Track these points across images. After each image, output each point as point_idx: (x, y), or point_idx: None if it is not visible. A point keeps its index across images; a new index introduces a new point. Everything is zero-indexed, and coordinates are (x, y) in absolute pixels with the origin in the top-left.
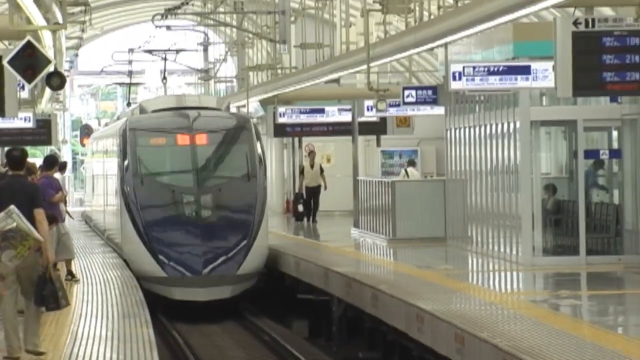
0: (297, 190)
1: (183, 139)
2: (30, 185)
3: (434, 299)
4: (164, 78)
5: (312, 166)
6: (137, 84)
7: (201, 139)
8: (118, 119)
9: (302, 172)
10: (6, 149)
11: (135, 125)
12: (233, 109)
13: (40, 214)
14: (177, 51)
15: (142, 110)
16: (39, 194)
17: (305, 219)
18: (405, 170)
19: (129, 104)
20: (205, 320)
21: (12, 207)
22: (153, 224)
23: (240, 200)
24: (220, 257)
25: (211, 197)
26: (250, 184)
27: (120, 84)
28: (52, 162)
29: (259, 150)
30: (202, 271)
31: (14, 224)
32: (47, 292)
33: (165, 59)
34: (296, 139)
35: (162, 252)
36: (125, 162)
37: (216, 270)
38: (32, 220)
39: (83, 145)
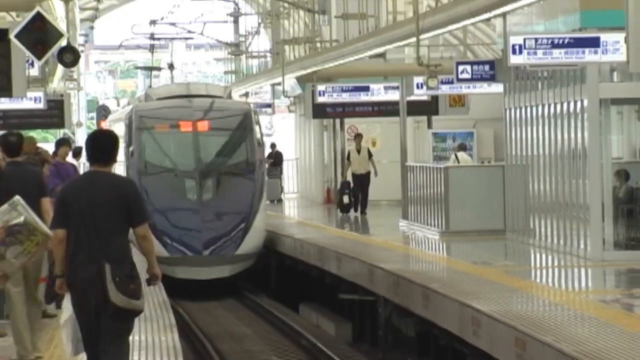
0: (342, 178)
1: (186, 126)
2: (32, 172)
3: (492, 298)
4: (171, 66)
5: (358, 151)
6: (158, 69)
7: (203, 126)
8: (138, 101)
9: (348, 157)
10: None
11: (141, 112)
12: (235, 96)
13: (46, 203)
14: (204, 23)
15: (148, 97)
16: (43, 181)
17: (352, 211)
18: (456, 155)
19: (171, 66)
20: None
21: (17, 197)
22: (157, 206)
23: (239, 185)
24: (219, 238)
25: (212, 182)
26: (249, 169)
27: (140, 67)
28: (61, 143)
29: (258, 137)
30: (203, 251)
31: (22, 218)
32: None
33: (184, 40)
34: (337, 121)
35: (165, 233)
36: (131, 148)
37: (216, 251)
38: (37, 211)
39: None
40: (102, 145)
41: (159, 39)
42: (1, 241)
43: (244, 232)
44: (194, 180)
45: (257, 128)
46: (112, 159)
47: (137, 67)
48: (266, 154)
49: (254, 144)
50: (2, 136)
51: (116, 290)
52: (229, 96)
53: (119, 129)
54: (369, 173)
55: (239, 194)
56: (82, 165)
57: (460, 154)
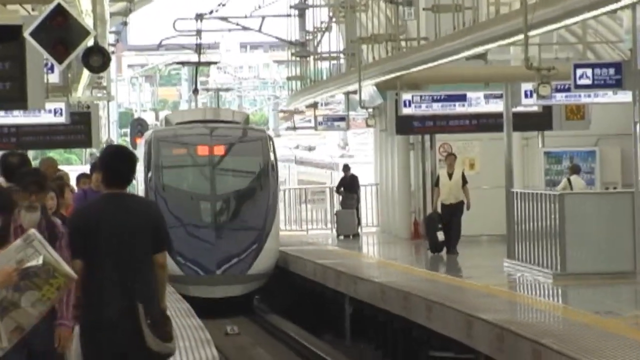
0: (432, 209)
1: (202, 150)
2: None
3: (620, 357)
4: (195, 90)
5: (450, 175)
6: (208, 64)
7: (219, 150)
8: (162, 123)
9: (437, 183)
10: (31, 154)
11: (160, 136)
12: (302, 106)
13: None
14: (263, 17)
15: (167, 122)
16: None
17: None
18: (568, 180)
19: (195, 91)
20: None
21: (33, 231)
22: (172, 227)
23: (252, 207)
24: (232, 258)
25: (226, 204)
26: (262, 192)
27: (183, 63)
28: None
29: (272, 161)
30: (216, 271)
31: (40, 258)
32: None
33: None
34: (427, 137)
35: (180, 253)
36: (149, 170)
37: (228, 271)
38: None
39: (135, 146)
40: (123, 163)
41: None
42: (15, 286)
43: (256, 253)
44: (209, 203)
45: (272, 153)
46: (131, 179)
47: (179, 63)
48: (338, 178)
49: (268, 168)
50: (2, 156)
51: (152, 335)
52: (247, 122)
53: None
54: (461, 203)
55: (252, 216)
56: None
57: (574, 178)
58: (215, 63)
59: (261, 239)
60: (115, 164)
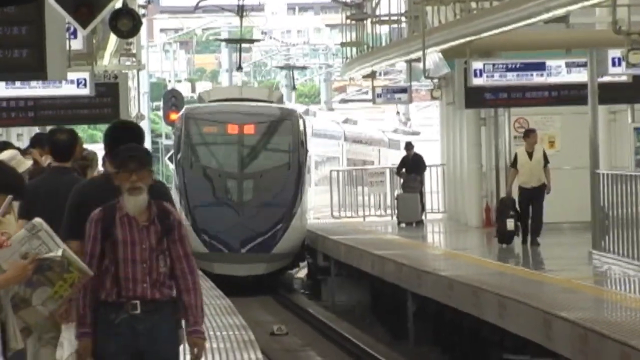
0: (505, 193)
1: (232, 128)
2: (72, 184)
3: None
4: (239, 67)
5: (530, 154)
6: (252, 41)
7: (249, 129)
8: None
9: (514, 163)
10: (48, 129)
11: (191, 114)
12: (358, 75)
13: None
14: None
15: (201, 100)
16: None
17: (518, 240)
18: None
19: (239, 67)
20: None
21: (38, 220)
22: (199, 204)
23: (279, 187)
24: (257, 237)
25: (253, 183)
26: (290, 172)
27: (225, 40)
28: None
29: (302, 140)
30: (240, 249)
31: (59, 251)
32: None
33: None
34: (500, 112)
35: (205, 231)
36: (179, 148)
37: (253, 249)
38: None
39: (170, 122)
40: (129, 138)
41: None
42: (28, 281)
43: (282, 232)
44: (235, 181)
45: (302, 133)
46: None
47: (218, 39)
48: (399, 156)
49: (297, 147)
50: (49, 133)
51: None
52: (280, 100)
53: None
54: (543, 186)
55: (279, 196)
56: None
57: None
58: (260, 40)
59: (287, 218)
60: (55, 143)
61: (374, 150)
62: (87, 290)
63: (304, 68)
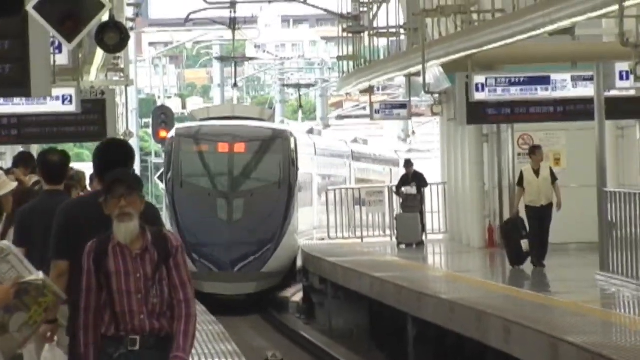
0: (512, 213)
1: (223, 147)
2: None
3: None
4: (235, 84)
5: (536, 172)
6: (248, 59)
7: (240, 148)
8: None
9: (520, 181)
10: (35, 147)
11: (181, 132)
12: (355, 91)
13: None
14: None
15: (192, 118)
16: None
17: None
18: None
19: (235, 85)
20: None
21: (6, 244)
22: (189, 223)
23: (270, 206)
24: (247, 256)
25: (243, 202)
26: (281, 191)
27: (218, 58)
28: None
29: (293, 160)
30: (230, 268)
31: (40, 274)
32: None
33: (235, 64)
34: (503, 128)
35: (195, 250)
36: (170, 167)
37: (243, 268)
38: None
39: (159, 140)
40: (116, 160)
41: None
42: (5, 307)
43: (272, 251)
44: (225, 200)
45: (292, 151)
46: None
47: (211, 58)
48: (399, 174)
49: (288, 166)
50: (40, 154)
51: None
52: (271, 119)
53: None
54: (551, 205)
55: (269, 215)
56: None
57: None
58: (255, 59)
59: (277, 238)
60: (46, 165)
61: (385, 170)
62: (88, 328)
63: (311, 86)
